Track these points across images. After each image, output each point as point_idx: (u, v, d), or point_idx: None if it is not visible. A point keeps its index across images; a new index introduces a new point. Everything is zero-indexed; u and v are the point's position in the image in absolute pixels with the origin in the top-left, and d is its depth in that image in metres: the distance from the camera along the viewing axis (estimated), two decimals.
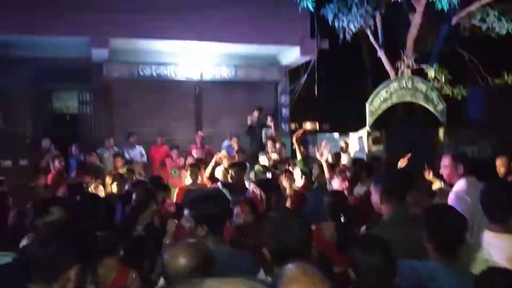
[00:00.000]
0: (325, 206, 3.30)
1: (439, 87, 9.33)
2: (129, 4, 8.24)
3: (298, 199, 4.55)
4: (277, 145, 7.96)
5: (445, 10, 8.04)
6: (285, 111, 10.80)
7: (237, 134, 8.90)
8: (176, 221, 3.33)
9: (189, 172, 5.45)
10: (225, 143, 8.94)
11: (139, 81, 9.67)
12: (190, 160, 7.12)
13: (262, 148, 8.53)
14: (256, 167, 6.13)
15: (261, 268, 2.19)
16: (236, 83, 10.26)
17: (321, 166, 4.85)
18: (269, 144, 8.12)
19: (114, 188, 5.30)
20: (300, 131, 5.75)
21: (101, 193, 5.43)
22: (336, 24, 9.07)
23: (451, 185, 3.83)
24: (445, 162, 3.40)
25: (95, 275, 2.21)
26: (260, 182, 3.60)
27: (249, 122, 9.25)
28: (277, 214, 2.27)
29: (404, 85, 8.62)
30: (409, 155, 4.90)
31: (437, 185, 4.04)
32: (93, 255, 2.06)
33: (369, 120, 8.36)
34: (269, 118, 9.18)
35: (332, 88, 12.01)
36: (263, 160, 7.35)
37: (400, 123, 9.90)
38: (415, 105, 8.98)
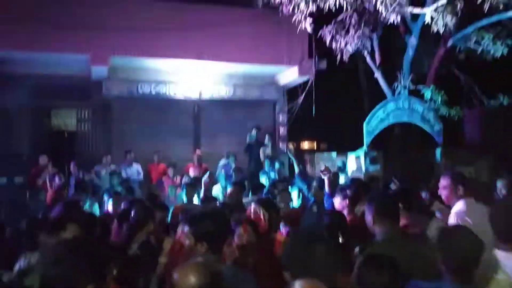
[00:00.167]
0: (323, 226, 3.28)
1: (436, 108, 9.41)
2: (128, 22, 8.35)
3: (294, 219, 4.52)
4: (276, 165, 7.96)
5: (441, 32, 8.18)
6: (283, 130, 10.84)
7: (235, 153, 8.91)
8: (171, 239, 3.31)
9: (184, 191, 5.43)
10: (222, 161, 8.93)
11: (138, 99, 9.72)
12: (186, 179, 7.09)
13: (261, 166, 8.52)
14: None
15: None
16: (235, 102, 10.32)
17: (319, 182, 4.83)
18: (267, 163, 8.13)
19: (110, 206, 5.26)
20: (291, 145, 5.77)
21: (97, 211, 5.39)
22: (333, 45, 9.20)
23: (448, 206, 3.82)
24: (444, 183, 3.38)
25: None
26: (262, 202, 3.58)
27: (247, 141, 9.27)
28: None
29: (401, 105, 8.71)
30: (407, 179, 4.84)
31: (436, 206, 4.02)
32: (105, 274, 2.03)
33: (366, 140, 8.40)
34: (267, 137, 9.21)
35: (329, 107, 12.10)
36: (263, 179, 7.35)
37: (397, 143, 9.95)
38: (412, 125, 9.04)
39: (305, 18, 7.98)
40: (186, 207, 4.98)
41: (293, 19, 8.07)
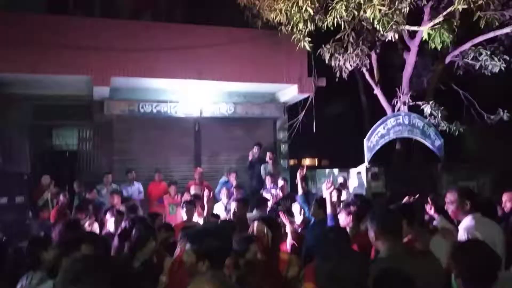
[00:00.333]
0: (326, 244, 3.25)
1: (436, 123, 9.45)
2: (129, 43, 8.46)
3: (298, 237, 4.48)
4: (280, 182, 7.93)
5: (438, 49, 8.29)
6: (283, 147, 10.86)
7: (236, 170, 8.91)
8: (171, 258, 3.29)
9: (184, 209, 5.41)
10: (222, 179, 8.93)
11: (139, 118, 9.77)
12: (186, 197, 7.07)
13: (263, 184, 8.51)
14: None
15: None
16: (235, 119, 10.37)
17: (319, 201, 4.80)
18: (268, 180, 8.12)
19: (111, 225, 5.24)
20: (303, 170, 5.76)
21: (97, 230, 5.37)
22: (332, 63, 9.30)
23: (451, 221, 3.80)
24: (451, 197, 3.35)
25: None
26: (265, 219, 3.55)
27: (250, 158, 9.28)
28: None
29: (401, 121, 8.76)
30: (416, 196, 4.80)
31: (439, 221, 3.99)
32: None
33: (367, 156, 8.41)
34: (268, 154, 9.22)
35: (330, 124, 12.14)
36: (267, 196, 7.32)
37: (398, 159, 9.96)
38: (413, 141, 9.06)
39: (304, 37, 8.08)
40: (186, 225, 4.96)
41: (292, 38, 8.18)
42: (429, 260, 2.70)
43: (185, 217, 5.36)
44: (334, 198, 4.30)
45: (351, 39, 8.85)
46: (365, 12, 7.08)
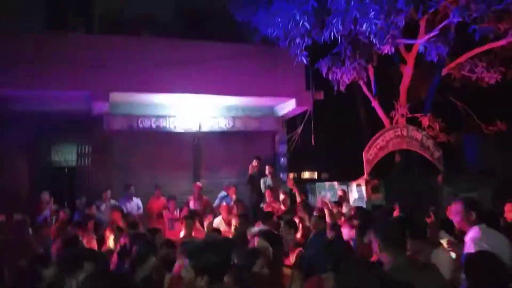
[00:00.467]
0: (326, 256, 3.23)
1: (434, 135, 9.48)
2: (128, 59, 8.51)
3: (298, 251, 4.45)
4: (281, 196, 7.89)
5: (435, 61, 8.36)
6: (283, 160, 10.85)
7: (235, 184, 8.88)
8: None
9: (183, 224, 5.37)
10: (221, 193, 8.89)
11: (138, 133, 9.77)
12: (185, 212, 7.03)
13: (262, 198, 8.47)
14: None
15: None
16: (234, 133, 10.38)
17: (319, 214, 4.79)
18: (267, 194, 8.08)
19: (111, 242, 5.20)
20: (290, 179, 5.78)
21: (95, 246, 5.32)
22: (330, 76, 9.37)
23: (454, 235, 3.79)
24: (456, 208, 3.36)
25: None
26: (266, 234, 3.52)
27: (250, 172, 9.26)
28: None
29: (400, 133, 8.78)
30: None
31: (442, 235, 3.96)
32: None
33: (366, 168, 8.41)
34: (267, 168, 9.20)
35: (329, 137, 12.17)
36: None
37: (398, 171, 9.95)
38: (412, 153, 9.07)
39: (301, 51, 8.16)
40: (185, 240, 4.92)
41: (290, 52, 8.25)
42: (432, 273, 2.69)
43: (184, 232, 5.33)
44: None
45: (348, 53, 8.93)
46: (361, 26, 7.16)
